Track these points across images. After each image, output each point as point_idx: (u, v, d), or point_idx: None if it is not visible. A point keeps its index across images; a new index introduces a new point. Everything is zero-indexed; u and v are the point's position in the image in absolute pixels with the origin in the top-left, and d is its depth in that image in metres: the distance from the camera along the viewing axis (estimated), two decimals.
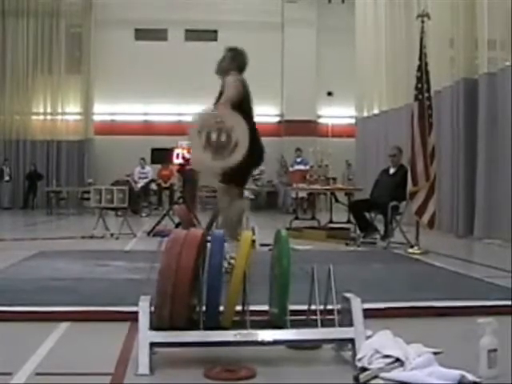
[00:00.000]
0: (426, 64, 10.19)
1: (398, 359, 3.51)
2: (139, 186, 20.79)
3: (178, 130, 23.53)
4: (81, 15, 24.70)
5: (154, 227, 12.53)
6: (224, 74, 7.24)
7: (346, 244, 11.05)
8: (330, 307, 4.04)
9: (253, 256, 4.22)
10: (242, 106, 7.05)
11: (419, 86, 10.12)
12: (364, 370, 3.52)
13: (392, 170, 11.41)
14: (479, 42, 12.57)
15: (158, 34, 25.06)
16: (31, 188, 23.42)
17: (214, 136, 6.13)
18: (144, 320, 3.75)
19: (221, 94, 7.17)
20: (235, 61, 7.38)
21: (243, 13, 24.01)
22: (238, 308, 4.08)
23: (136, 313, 3.82)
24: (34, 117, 24.68)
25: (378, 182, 11.67)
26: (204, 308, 3.92)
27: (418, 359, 3.52)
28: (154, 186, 21.61)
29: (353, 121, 21.41)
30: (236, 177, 7.08)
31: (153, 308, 3.83)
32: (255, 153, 7.10)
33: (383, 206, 10.63)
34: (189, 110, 24.19)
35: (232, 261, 6.44)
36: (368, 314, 3.98)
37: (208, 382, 3.53)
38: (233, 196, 7.18)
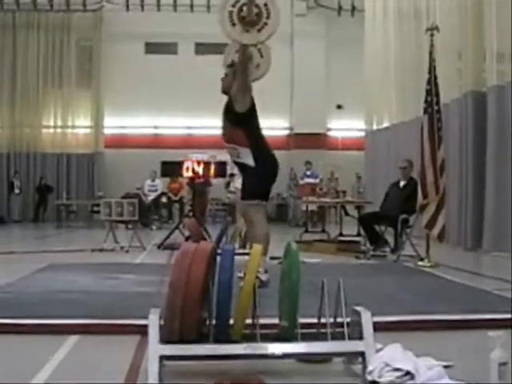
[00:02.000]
0: (436, 77, 10.20)
1: (408, 372, 3.50)
2: (150, 198, 20.82)
3: (188, 143, 23.66)
4: (91, 29, 24.82)
5: (164, 240, 12.54)
6: (229, 90, 7.24)
7: (356, 257, 11.02)
8: (339, 320, 4.04)
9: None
10: (250, 121, 7.18)
11: (429, 99, 10.13)
12: (374, 383, 3.51)
13: (402, 183, 11.41)
14: (487, 54, 12.57)
15: (168, 48, 25.15)
16: (41, 201, 23.48)
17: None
18: (154, 333, 3.75)
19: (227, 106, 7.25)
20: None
21: None
22: (248, 321, 4.07)
23: (146, 326, 3.81)
24: (45, 130, 24.78)
25: (387, 195, 11.66)
26: (214, 321, 3.92)
27: (429, 372, 3.51)
28: (164, 199, 21.64)
29: (363, 134, 21.38)
30: (258, 191, 7.16)
31: (162, 321, 3.83)
32: (272, 164, 7.21)
33: (393, 219, 10.62)
34: (199, 123, 24.38)
35: (259, 275, 6.52)
36: (378, 326, 3.97)
37: None
38: (258, 212, 7.17)
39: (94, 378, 3.86)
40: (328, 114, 25.40)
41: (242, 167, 7.26)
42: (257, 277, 6.07)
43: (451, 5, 13.85)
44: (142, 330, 4.05)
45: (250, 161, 7.09)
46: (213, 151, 22.31)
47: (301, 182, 21.76)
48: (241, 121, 7.08)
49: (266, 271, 6.89)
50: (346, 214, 14.23)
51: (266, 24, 6.39)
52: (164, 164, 17.56)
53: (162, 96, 24.11)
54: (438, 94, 10.14)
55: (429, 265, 9.64)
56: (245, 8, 6.43)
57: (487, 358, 3.44)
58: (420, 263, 9.77)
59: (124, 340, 4.71)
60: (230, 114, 7.19)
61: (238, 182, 21.82)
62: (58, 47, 24.71)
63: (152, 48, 25.18)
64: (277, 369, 3.98)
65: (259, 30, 6.41)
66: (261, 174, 7.10)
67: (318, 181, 19.76)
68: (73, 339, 4.77)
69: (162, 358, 3.69)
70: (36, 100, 24.50)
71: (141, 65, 24.52)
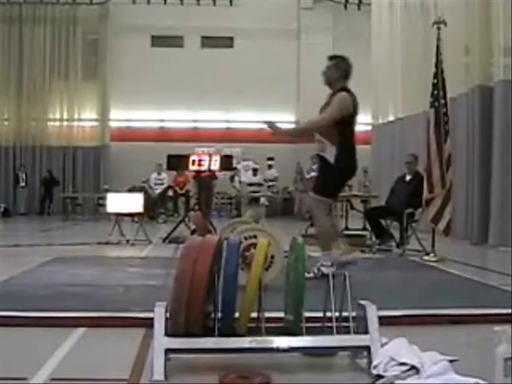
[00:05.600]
0: (442, 71, 10.16)
1: (413, 367, 3.49)
2: (156, 192, 20.83)
3: (194, 136, 23.65)
4: (97, 22, 24.80)
5: (169, 234, 12.53)
6: (332, 83, 7.70)
7: (362, 251, 11.00)
8: (345, 314, 4.03)
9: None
10: (349, 122, 7.52)
11: (435, 92, 10.10)
12: (379, 377, 3.51)
13: (408, 177, 11.39)
14: (494, 49, 12.52)
15: (175, 41, 25.12)
16: (47, 194, 23.49)
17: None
18: (159, 326, 3.75)
19: (326, 104, 7.56)
20: (339, 68, 7.61)
21: (259, 20, 23.99)
22: (254, 315, 4.07)
23: (151, 319, 3.82)
24: (51, 123, 24.76)
25: (393, 189, 11.65)
26: (219, 314, 3.92)
27: (434, 367, 3.50)
28: (170, 193, 21.63)
29: (369, 128, 21.31)
30: (329, 189, 7.37)
31: (168, 314, 3.83)
32: (348, 167, 7.36)
33: (399, 213, 10.60)
34: (205, 116, 24.37)
35: (323, 268, 6.91)
36: (383, 321, 3.96)
37: None
38: (320, 208, 7.34)
39: (99, 370, 3.87)
40: None
41: (323, 161, 7.40)
42: (318, 269, 6.86)
43: None
44: (148, 323, 4.06)
45: (331, 158, 7.26)
46: (219, 145, 22.38)
47: (307, 175, 21.71)
48: (338, 122, 7.33)
49: (332, 265, 6.87)
50: (352, 207, 14.21)
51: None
52: (170, 157, 17.45)
53: (168, 89, 24.09)
54: (444, 88, 10.11)
55: (434, 259, 9.62)
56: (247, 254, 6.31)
57: (493, 352, 3.43)
58: (426, 257, 9.76)
59: (130, 333, 4.72)
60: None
61: (244, 176, 21.89)
62: (64, 40, 24.69)
63: (158, 41, 25.17)
64: (282, 362, 3.98)
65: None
66: (336, 174, 7.30)
67: None
68: (79, 332, 4.78)
69: (168, 351, 3.70)
70: (42, 93, 24.49)
71: (147, 58, 24.49)
